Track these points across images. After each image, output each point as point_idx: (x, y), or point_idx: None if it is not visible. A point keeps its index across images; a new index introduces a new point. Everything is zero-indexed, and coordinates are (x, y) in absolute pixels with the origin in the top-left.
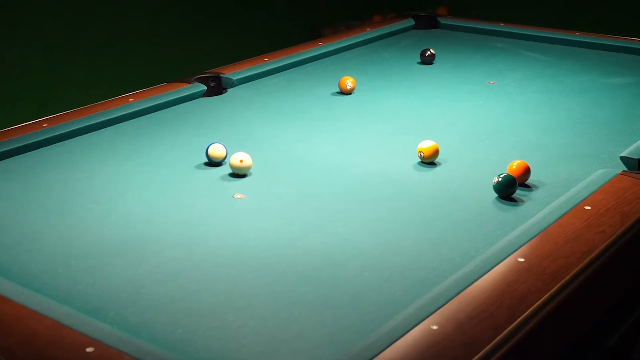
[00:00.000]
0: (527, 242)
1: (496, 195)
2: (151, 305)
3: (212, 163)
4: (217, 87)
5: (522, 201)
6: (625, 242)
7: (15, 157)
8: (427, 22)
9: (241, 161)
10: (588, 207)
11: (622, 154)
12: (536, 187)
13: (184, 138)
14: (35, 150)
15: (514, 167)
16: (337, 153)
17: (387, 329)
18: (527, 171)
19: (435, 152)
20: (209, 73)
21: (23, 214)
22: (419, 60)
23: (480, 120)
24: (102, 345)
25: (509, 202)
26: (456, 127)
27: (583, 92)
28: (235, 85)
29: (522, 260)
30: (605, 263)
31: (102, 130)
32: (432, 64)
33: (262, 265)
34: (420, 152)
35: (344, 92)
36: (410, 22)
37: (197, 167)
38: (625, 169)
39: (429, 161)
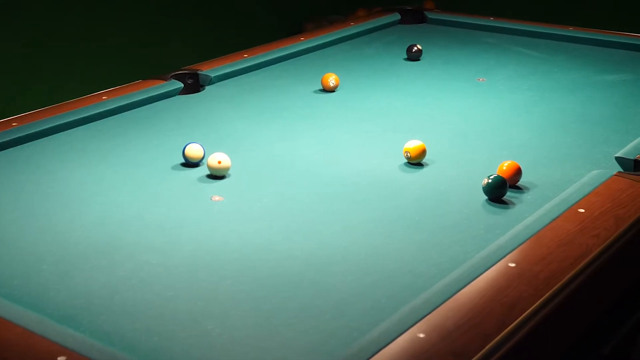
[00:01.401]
0: (518, 246)
1: (486, 197)
2: (126, 312)
3: (189, 164)
4: (194, 85)
5: (513, 203)
6: (620, 246)
7: None
8: (414, 17)
9: (219, 162)
10: (582, 210)
11: (617, 155)
12: (527, 188)
13: (160, 138)
14: (4, 151)
15: (504, 168)
16: (320, 153)
17: (372, 337)
18: (518, 172)
19: (422, 153)
20: (185, 70)
21: None
22: (405, 57)
23: (469, 119)
24: (74, 354)
25: (499, 205)
26: (444, 126)
27: (577, 89)
28: (213, 83)
29: (512, 265)
30: (600, 268)
31: (74, 129)
32: (419, 60)
33: (242, 271)
34: (406, 152)
35: (327, 90)
36: (396, 16)
37: (174, 168)
38: (621, 169)
39: (415, 162)
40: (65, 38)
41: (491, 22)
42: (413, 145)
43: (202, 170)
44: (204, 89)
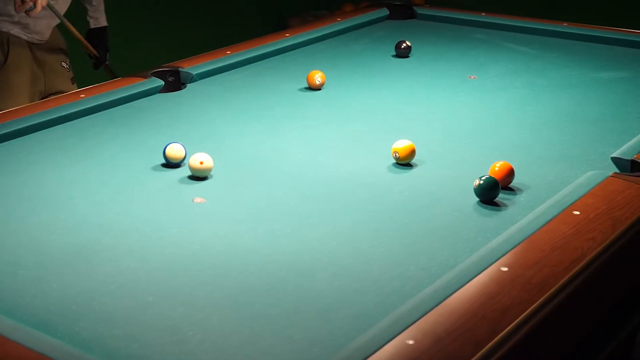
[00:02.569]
0: (510, 249)
1: (477, 199)
2: (104, 319)
3: (170, 164)
4: (175, 83)
5: (506, 206)
6: (617, 250)
7: None
8: (403, 12)
9: (201, 162)
10: (577, 212)
11: (613, 155)
12: (520, 190)
13: (140, 137)
14: None
15: (496, 168)
16: (305, 154)
17: (359, 344)
18: (510, 173)
19: (412, 153)
20: (166, 67)
21: None
22: (394, 53)
23: (460, 118)
24: None
25: (491, 207)
26: (434, 125)
27: (571, 87)
28: (195, 80)
29: (505, 269)
30: (596, 272)
31: (50, 128)
32: (408, 57)
33: (223, 275)
34: (395, 152)
35: (312, 88)
36: (385, 11)
37: (154, 168)
38: (617, 170)
39: (404, 162)
40: None
41: (482, 17)
42: (402, 145)
43: (184, 171)
44: (185, 87)
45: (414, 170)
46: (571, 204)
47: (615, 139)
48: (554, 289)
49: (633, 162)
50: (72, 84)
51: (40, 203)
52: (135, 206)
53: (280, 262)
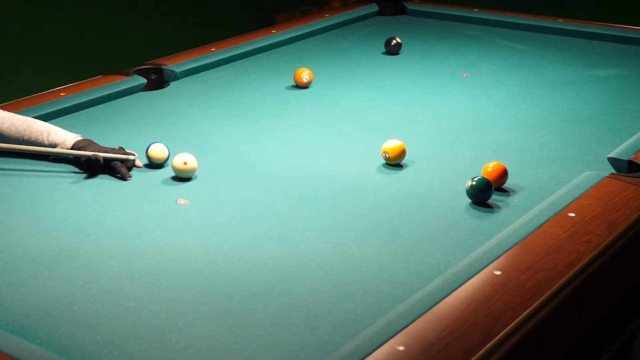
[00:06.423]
0: (503, 253)
1: (470, 200)
2: (85, 324)
3: (153, 165)
4: (158, 80)
5: (499, 207)
6: (613, 253)
7: None
8: (393, 8)
9: (185, 163)
10: (572, 214)
11: (609, 155)
12: (514, 191)
13: (121, 137)
14: None
15: (489, 169)
16: (292, 154)
17: (347, 351)
18: (504, 174)
19: (402, 153)
20: (149, 64)
21: None
22: (384, 50)
23: (451, 117)
24: None
25: (483, 209)
26: (425, 124)
27: (566, 85)
28: (178, 78)
29: (498, 273)
30: (591, 277)
31: None
32: (398, 54)
33: (208, 280)
34: (384, 152)
35: (299, 86)
36: (374, 7)
37: (136, 169)
38: (614, 171)
39: (394, 163)
40: (19, 28)
41: (475, 13)
42: (392, 145)
43: (167, 172)
44: (168, 85)
45: (404, 171)
46: (566, 205)
47: (611, 138)
48: (548, 293)
49: (630, 162)
50: None
51: (19, 205)
52: (117, 208)
53: (266, 266)
